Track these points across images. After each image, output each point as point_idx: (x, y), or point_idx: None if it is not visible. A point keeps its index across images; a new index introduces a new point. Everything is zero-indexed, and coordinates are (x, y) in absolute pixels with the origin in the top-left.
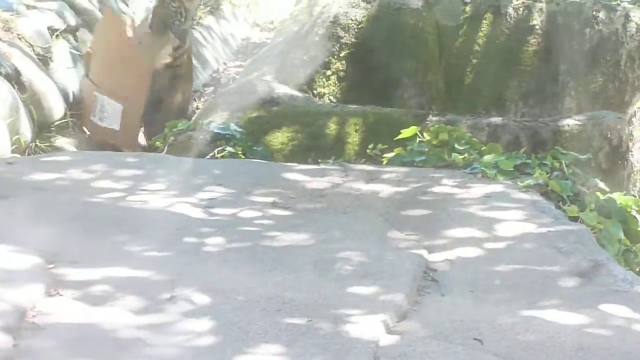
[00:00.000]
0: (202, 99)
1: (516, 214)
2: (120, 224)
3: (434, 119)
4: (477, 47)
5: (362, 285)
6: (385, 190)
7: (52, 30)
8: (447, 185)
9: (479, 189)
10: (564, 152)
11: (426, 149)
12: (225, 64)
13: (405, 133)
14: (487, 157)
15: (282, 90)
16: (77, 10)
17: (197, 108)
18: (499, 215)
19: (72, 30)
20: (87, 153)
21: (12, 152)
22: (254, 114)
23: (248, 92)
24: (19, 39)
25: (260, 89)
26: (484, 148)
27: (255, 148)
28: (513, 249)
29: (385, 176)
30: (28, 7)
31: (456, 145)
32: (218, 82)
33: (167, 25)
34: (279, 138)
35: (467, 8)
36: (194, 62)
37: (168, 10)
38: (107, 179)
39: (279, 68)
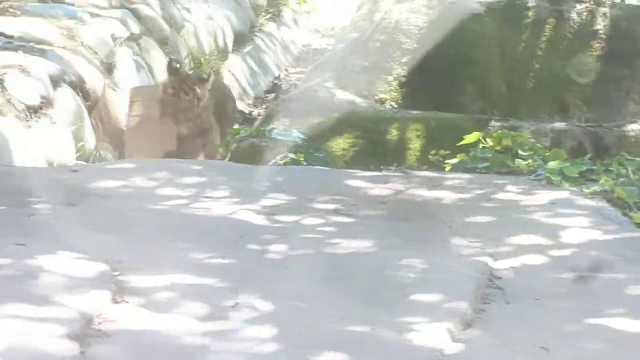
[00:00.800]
0: (264, 106)
1: (581, 221)
2: (184, 231)
3: (497, 124)
4: (539, 52)
5: (426, 292)
6: (448, 197)
7: (115, 38)
8: (511, 191)
9: (543, 196)
10: (630, 158)
11: (489, 155)
12: (286, 70)
13: (468, 139)
14: (552, 164)
15: (343, 96)
16: (140, 18)
17: (258, 115)
18: (564, 222)
19: (135, 38)
20: (151, 160)
21: (77, 159)
22: (315, 120)
23: (309, 99)
24: (83, 46)
25: (321, 95)
26: (547, 154)
27: (316, 154)
28: (578, 256)
29: (448, 183)
30: (92, 15)
31: (519, 151)
32: (279, 88)
33: (177, 119)
34: (340, 144)
35: (530, 13)
36: (255, 68)
37: (181, 105)
38: (171, 187)
39: (340, 74)
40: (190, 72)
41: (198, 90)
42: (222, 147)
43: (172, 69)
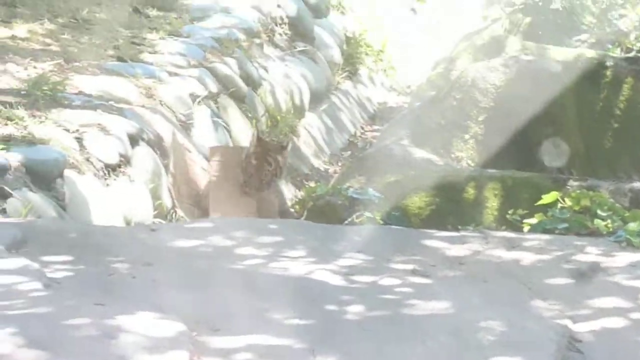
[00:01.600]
0: (340, 163)
1: None
2: (262, 290)
3: (575, 183)
4: (617, 111)
5: (505, 355)
6: (527, 258)
7: (193, 97)
8: (590, 253)
9: (623, 258)
10: None
11: (568, 216)
12: (362, 128)
13: (546, 199)
14: (632, 225)
15: (419, 154)
16: (218, 77)
17: (334, 172)
18: None
19: (213, 97)
20: (229, 219)
21: (154, 217)
22: (392, 179)
23: (385, 156)
24: (161, 105)
25: (397, 153)
26: (627, 214)
27: (393, 213)
28: None
29: (526, 243)
30: (170, 74)
31: (598, 212)
32: (355, 146)
33: (260, 188)
34: (416, 203)
35: (608, 72)
36: (331, 126)
37: (265, 176)
38: (248, 246)
39: (416, 132)
40: (271, 141)
41: (280, 159)
42: (298, 205)
43: (258, 139)
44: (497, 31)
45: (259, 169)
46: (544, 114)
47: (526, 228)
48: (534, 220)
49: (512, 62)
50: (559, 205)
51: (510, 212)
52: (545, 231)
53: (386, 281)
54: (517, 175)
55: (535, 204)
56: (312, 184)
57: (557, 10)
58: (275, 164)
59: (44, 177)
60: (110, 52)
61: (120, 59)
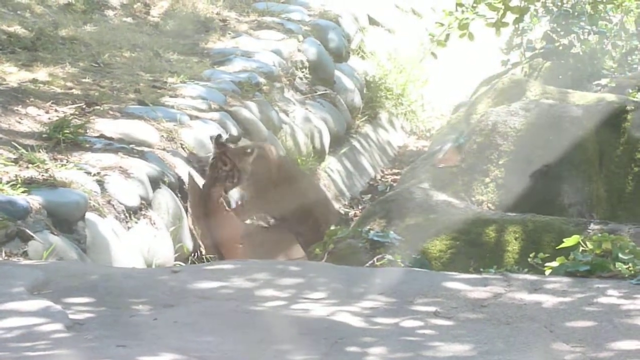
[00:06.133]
0: (360, 207)
1: None
2: (283, 332)
3: (596, 227)
4: (638, 155)
5: None
6: (549, 300)
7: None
8: (612, 296)
9: None
10: None
11: (589, 259)
12: (382, 171)
13: (568, 242)
14: None
15: (440, 197)
16: (239, 120)
17: (355, 216)
18: None
19: (234, 140)
20: (251, 261)
21: (175, 260)
22: (412, 222)
23: (405, 200)
24: (182, 148)
25: (417, 196)
26: None
27: (413, 256)
28: None
29: (548, 286)
30: (191, 117)
31: (620, 255)
32: (375, 189)
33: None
34: (437, 246)
35: (629, 116)
36: (352, 169)
37: (219, 174)
38: (269, 288)
39: (437, 175)
40: (234, 146)
41: (238, 164)
42: (319, 247)
43: (218, 143)
44: (517, 75)
45: (212, 167)
46: (565, 158)
47: (548, 271)
48: (555, 264)
49: (532, 106)
50: (581, 248)
51: (531, 255)
52: (567, 274)
53: (408, 323)
54: (538, 218)
55: (557, 248)
56: (333, 227)
57: (577, 55)
58: (231, 166)
59: (65, 219)
60: (131, 95)
61: (141, 102)
